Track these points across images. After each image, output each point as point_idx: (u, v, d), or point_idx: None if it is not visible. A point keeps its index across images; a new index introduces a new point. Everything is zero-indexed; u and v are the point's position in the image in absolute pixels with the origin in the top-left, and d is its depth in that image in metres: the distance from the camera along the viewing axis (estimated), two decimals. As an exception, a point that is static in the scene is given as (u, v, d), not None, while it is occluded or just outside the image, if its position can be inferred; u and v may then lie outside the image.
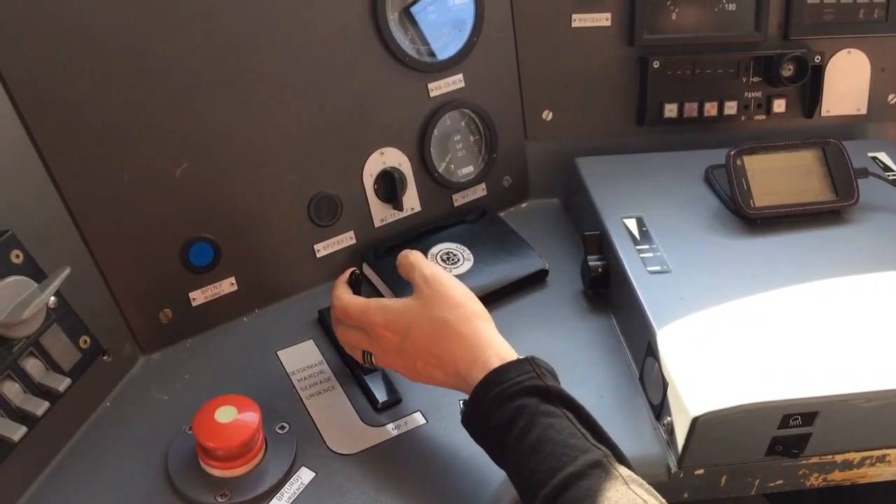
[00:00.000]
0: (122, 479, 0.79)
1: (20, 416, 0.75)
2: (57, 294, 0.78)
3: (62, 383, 0.78)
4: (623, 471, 0.67)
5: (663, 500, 0.66)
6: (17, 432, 0.73)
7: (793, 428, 0.79)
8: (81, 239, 0.85)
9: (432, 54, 1.03)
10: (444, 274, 0.80)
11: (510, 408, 0.71)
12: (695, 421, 0.77)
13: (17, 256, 0.76)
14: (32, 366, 0.77)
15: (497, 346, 0.75)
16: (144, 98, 0.85)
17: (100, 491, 0.78)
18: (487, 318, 0.79)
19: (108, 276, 0.87)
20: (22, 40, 0.78)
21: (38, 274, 0.77)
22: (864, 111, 1.17)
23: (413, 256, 0.81)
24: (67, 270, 0.77)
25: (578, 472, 0.66)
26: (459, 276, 0.96)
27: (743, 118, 1.14)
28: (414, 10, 1.01)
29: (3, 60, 0.78)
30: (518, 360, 0.73)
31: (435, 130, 1.05)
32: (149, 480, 0.79)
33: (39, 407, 0.75)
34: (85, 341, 0.82)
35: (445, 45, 1.03)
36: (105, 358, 0.86)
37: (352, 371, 0.89)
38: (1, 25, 0.77)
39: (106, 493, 0.78)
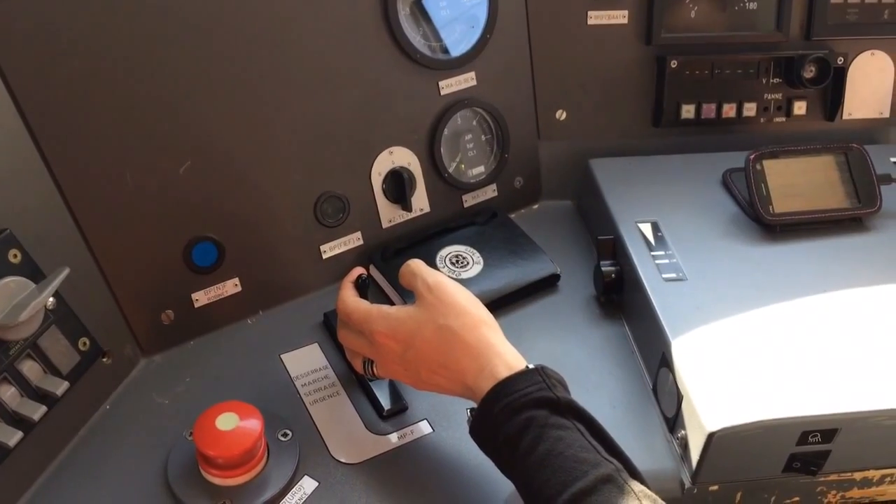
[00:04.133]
0: (121, 486, 0.77)
1: (16, 420, 0.73)
2: (56, 295, 0.76)
3: (60, 387, 0.76)
4: (635, 486, 0.65)
5: (675, 516, 0.64)
6: (12, 437, 0.71)
7: (812, 445, 0.76)
8: (82, 238, 0.83)
9: (444, 51, 1.00)
10: (448, 281, 0.78)
11: (519, 420, 0.68)
12: (710, 436, 0.74)
13: (15, 256, 0.74)
14: (29, 368, 0.75)
15: (504, 355, 0.73)
16: (148, 95, 0.83)
17: (97, 498, 0.77)
18: (494, 326, 0.76)
19: (108, 276, 0.85)
20: (24, 39, 0.76)
21: (36, 274, 0.75)
22: (887, 114, 1.14)
23: (414, 265, 0.79)
24: (66, 271, 0.75)
25: (589, 488, 0.64)
26: (468, 280, 0.95)
27: (762, 120, 1.12)
28: (426, 4, 0.98)
29: (5, 59, 0.76)
30: (527, 370, 0.71)
31: (445, 129, 1.02)
32: (148, 487, 0.77)
33: (36, 411, 0.74)
34: (84, 343, 0.80)
35: (458, 41, 1.01)
36: (105, 360, 0.84)
37: (357, 377, 0.87)
38: (2, 24, 0.75)
39: (104, 500, 0.76)
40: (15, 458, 0.73)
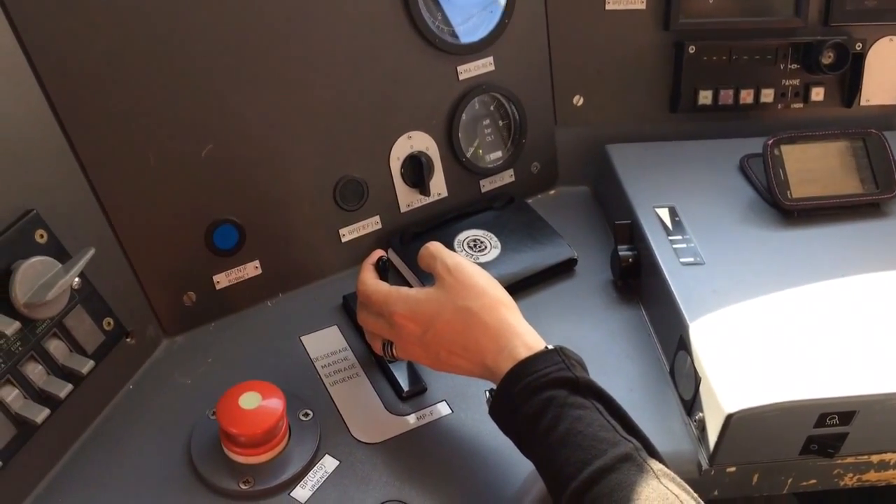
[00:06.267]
0: (145, 463, 0.79)
1: (43, 397, 0.75)
2: (81, 275, 0.77)
3: (85, 365, 0.77)
4: (654, 464, 0.65)
5: (695, 495, 0.64)
6: (39, 414, 0.73)
7: (829, 427, 0.77)
8: (106, 220, 0.84)
9: (460, 36, 1.01)
10: (468, 263, 0.78)
11: (539, 399, 0.69)
12: (729, 418, 0.75)
13: (42, 236, 0.75)
14: (56, 347, 0.76)
15: (524, 336, 0.74)
16: (171, 78, 0.84)
17: (122, 474, 0.78)
18: (513, 307, 0.77)
19: (132, 258, 0.86)
20: (49, 20, 0.77)
21: (62, 254, 0.76)
22: (905, 101, 1.14)
23: (434, 247, 0.80)
24: (92, 251, 0.76)
25: (608, 466, 0.64)
26: (487, 264, 0.96)
27: (780, 106, 1.11)
28: (445, -10, 0.99)
29: (31, 41, 0.76)
30: (546, 351, 0.72)
31: (463, 115, 1.03)
32: (171, 465, 0.78)
33: (63, 389, 0.75)
34: (108, 323, 0.82)
35: (476, 26, 1.01)
36: (128, 340, 0.85)
37: (376, 359, 0.88)
38: (29, 5, 0.76)
39: (128, 477, 0.78)
40: (42, 435, 0.75)
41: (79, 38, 0.79)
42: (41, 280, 0.73)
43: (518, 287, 0.95)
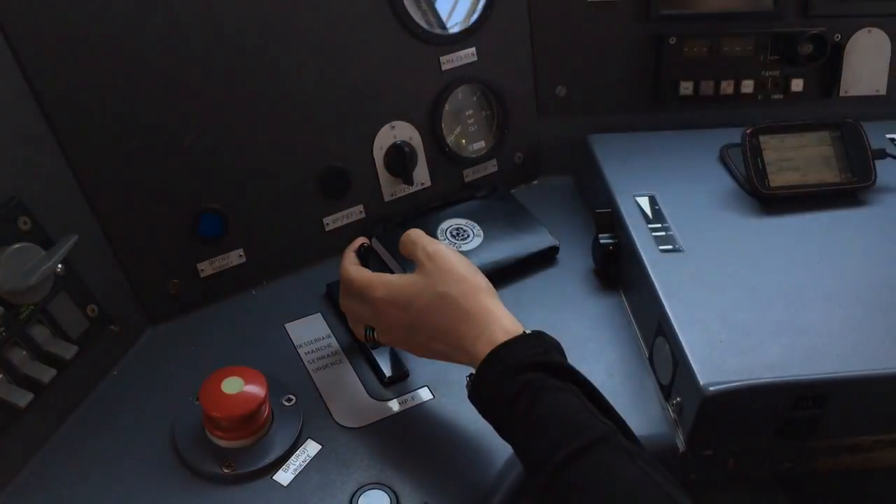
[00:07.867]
0: (129, 448, 0.79)
1: (27, 382, 0.75)
2: (64, 262, 0.78)
3: (69, 351, 0.78)
4: (629, 446, 0.66)
5: (668, 475, 0.65)
6: (23, 399, 0.73)
7: (803, 410, 0.78)
8: (90, 207, 0.84)
9: (445, 27, 1.01)
10: (447, 249, 0.79)
11: (516, 383, 0.70)
12: (704, 400, 0.76)
13: (25, 223, 0.76)
14: (39, 333, 0.77)
15: (502, 321, 0.74)
16: (154, 67, 0.85)
17: (106, 460, 0.78)
18: (492, 292, 0.78)
19: (116, 246, 0.87)
20: (32, 8, 0.77)
21: (45, 241, 0.77)
22: (883, 92, 1.15)
23: (414, 234, 0.81)
24: (75, 238, 0.77)
25: (584, 448, 0.65)
26: (469, 252, 0.97)
27: (759, 97, 1.12)
28: (428, -20, 1.00)
29: (13, 28, 0.77)
30: (524, 335, 0.73)
31: (447, 104, 1.03)
32: (155, 450, 0.79)
33: (46, 374, 0.75)
34: (92, 310, 0.82)
35: (459, 17, 1.02)
36: (113, 327, 0.86)
37: (359, 345, 0.89)
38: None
39: (112, 462, 0.78)
40: (25, 419, 0.76)
41: (62, 25, 0.79)
42: (24, 266, 0.74)
43: (500, 275, 0.95)
